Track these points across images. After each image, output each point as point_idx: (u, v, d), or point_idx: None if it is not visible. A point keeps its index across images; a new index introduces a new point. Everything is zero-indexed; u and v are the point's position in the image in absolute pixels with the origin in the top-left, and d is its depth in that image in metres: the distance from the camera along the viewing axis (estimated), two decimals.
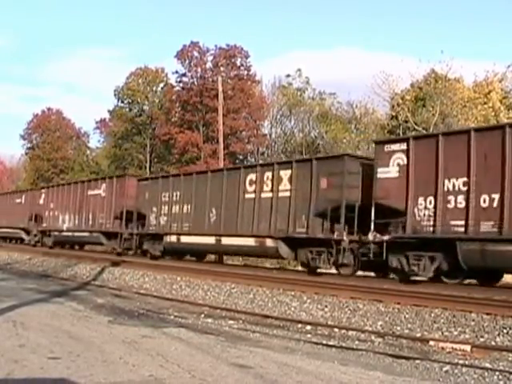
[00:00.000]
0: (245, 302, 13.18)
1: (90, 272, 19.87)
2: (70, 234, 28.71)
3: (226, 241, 18.85)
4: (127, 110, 55.18)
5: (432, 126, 33.12)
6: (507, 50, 60.73)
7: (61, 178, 55.92)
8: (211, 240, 19.36)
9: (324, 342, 8.94)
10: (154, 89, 54.83)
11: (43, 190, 32.95)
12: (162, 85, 54.32)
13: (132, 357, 6.96)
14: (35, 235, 31.92)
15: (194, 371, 6.36)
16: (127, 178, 25.61)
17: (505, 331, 9.02)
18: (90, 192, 27.17)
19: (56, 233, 29.83)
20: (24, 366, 6.18)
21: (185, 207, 20.95)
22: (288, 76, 46.76)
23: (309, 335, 9.69)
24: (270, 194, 17.51)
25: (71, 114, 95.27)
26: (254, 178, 18.14)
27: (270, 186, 17.54)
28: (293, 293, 13.11)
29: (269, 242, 17.22)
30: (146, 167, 49.84)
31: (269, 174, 17.63)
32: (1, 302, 11.46)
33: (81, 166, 60.68)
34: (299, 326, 10.55)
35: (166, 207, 21.85)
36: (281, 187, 17.18)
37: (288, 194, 16.91)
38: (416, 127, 34.06)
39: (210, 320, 10.95)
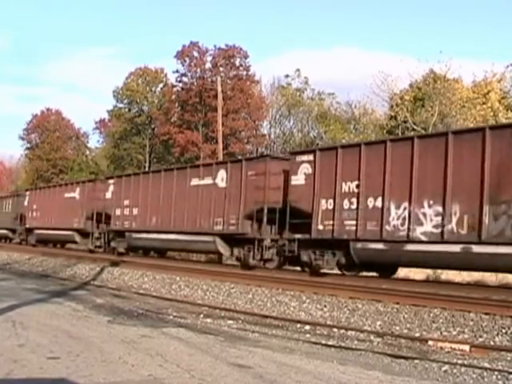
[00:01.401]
0: (244, 302, 13.18)
1: (90, 272, 19.86)
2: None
3: None
4: (126, 110, 55.20)
5: (431, 126, 33.15)
6: (506, 50, 61.02)
7: (60, 178, 55.90)
8: None
9: (323, 341, 8.94)
10: (154, 89, 54.88)
11: (307, 157, 15.67)
12: (161, 85, 54.36)
13: (131, 356, 6.97)
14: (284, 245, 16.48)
15: (193, 371, 6.37)
16: None
17: (503, 331, 9.03)
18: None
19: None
20: (23, 366, 6.18)
21: None
22: (287, 76, 46.85)
23: (308, 335, 9.69)
24: None
25: (70, 114, 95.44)
26: None
27: None
28: (292, 293, 13.11)
29: None
30: (145, 167, 49.79)
31: None
32: (0, 301, 11.45)
33: (80, 166, 60.67)
34: (298, 325, 10.54)
35: None
36: None
37: None
38: (415, 127, 34.07)
39: (209, 320, 10.95)
